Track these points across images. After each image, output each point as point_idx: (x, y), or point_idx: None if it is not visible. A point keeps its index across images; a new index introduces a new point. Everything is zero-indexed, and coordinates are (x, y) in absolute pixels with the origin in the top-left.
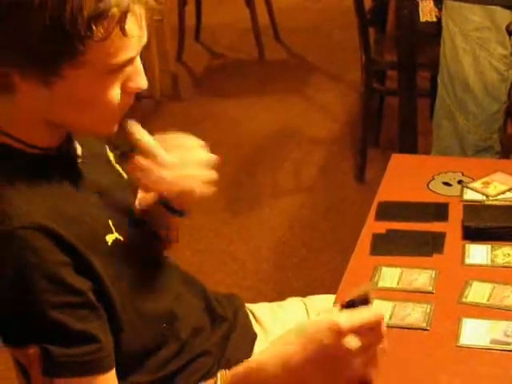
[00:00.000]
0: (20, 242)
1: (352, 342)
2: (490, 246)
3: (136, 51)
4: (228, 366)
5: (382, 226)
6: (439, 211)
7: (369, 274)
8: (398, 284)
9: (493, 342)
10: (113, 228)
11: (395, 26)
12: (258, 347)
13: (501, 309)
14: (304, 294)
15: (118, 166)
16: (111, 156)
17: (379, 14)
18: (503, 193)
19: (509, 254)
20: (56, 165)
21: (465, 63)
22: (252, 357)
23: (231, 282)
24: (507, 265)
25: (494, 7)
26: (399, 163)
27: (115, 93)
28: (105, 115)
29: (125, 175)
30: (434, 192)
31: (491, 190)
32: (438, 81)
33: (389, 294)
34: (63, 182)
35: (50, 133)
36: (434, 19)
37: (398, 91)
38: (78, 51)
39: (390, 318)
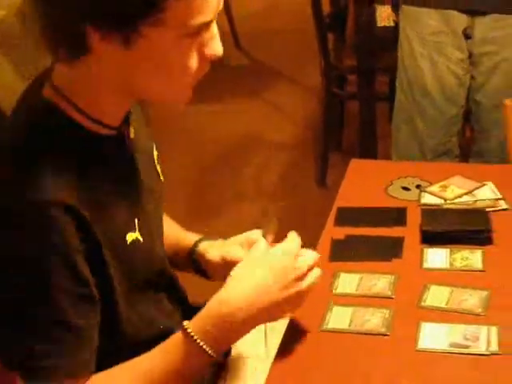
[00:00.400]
0: (46, 218)
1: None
2: (448, 250)
3: (213, 15)
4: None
5: (341, 232)
6: (398, 216)
7: (328, 280)
8: (357, 290)
9: (452, 345)
10: (137, 227)
11: (354, 32)
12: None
13: (459, 312)
14: None
15: (158, 167)
16: (155, 154)
17: (338, 20)
18: (460, 196)
19: (467, 258)
20: (109, 147)
21: (423, 67)
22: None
23: (195, 290)
24: (465, 268)
25: (451, 12)
26: (358, 168)
27: (193, 58)
28: (181, 81)
29: (162, 177)
30: (393, 197)
31: (449, 194)
32: (397, 85)
33: (348, 300)
34: (109, 166)
35: (117, 105)
36: (392, 24)
37: (358, 96)
38: (158, 7)
39: (350, 324)
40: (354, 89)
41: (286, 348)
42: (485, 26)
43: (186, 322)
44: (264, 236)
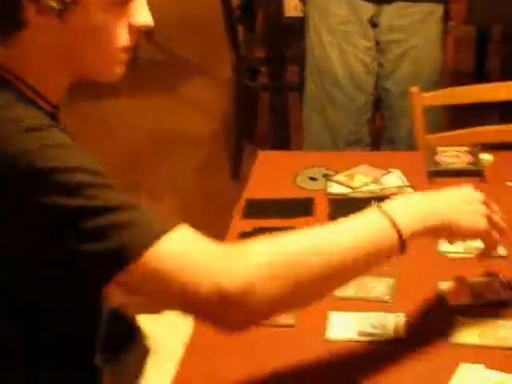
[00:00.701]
0: None
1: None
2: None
3: None
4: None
5: (249, 224)
6: (305, 206)
7: None
8: None
9: (360, 334)
10: None
11: (262, 23)
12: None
13: (367, 300)
14: None
15: None
16: None
17: (247, 11)
18: (367, 184)
19: None
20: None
21: (332, 57)
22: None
23: None
24: None
25: (358, 1)
26: (266, 160)
27: (121, 27)
28: (111, 52)
29: None
30: (301, 187)
31: (355, 183)
32: (306, 75)
33: None
34: None
35: (57, 81)
36: (300, 14)
37: (269, 86)
38: None
39: None
40: (266, 80)
41: (194, 341)
42: (391, 14)
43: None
44: None
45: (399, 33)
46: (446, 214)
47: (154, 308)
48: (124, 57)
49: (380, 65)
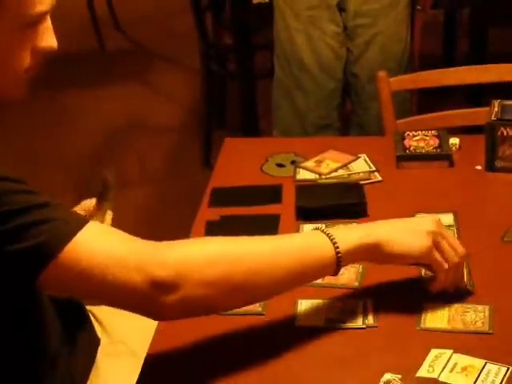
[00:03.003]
0: None
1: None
2: (323, 225)
3: (49, 5)
4: (73, 376)
5: (216, 213)
6: (273, 194)
7: None
8: None
9: (328, 321)
10: None
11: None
12: (102, 353)
13: (336, 287)
14: None
15: None
16: None
17: None
18: (335, 170)
19: None
20: None
21: (299, 43)
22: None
23: None
24: None
25: None
26: (233, 147)
27: (26, 50)
28: (14, 74)
29: None
30: (268, 174)
31: (323, 169)
32: (274, 61)
33: None
34: None
35: None
36: (267, 0)
37: (237, 74)
38: None
39: None
40: (234, 67)
41: (162, 331)
42: None
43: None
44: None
45: (366, 18)
46: (385, 232)
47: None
48: (27, 78)
49: (348, 50)
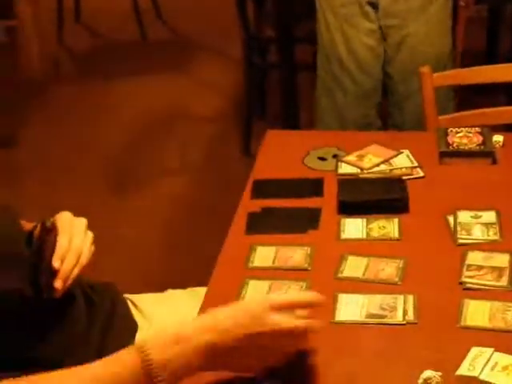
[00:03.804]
0: None
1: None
2: (365, 220)
3: None
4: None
5: (258, 205)
6: (314, 187)
7: (244, 254)
8: (273, 263)
9: (369, 316)
10: None
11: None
12: (141, 337)
13: (376, 282)
14: (191, 274)
15: None
16: None
17: None
18: (377, 165)
19: (384, 227)
20: None
21: (337, 41)
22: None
23: (119, 267)
24: (382, 237)
25: None
26: (275, 139)
27: None
28: None
29: None
30: (309, 167)
31: (366, 163)
32: (317, 57)
33: (265, 273)
34: None
35: None
36: None
37: (278, 65)
38: None
39: None
40: (275, 58)
41: None
42: None
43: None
44: None
45: (395, 18)
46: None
47: None
48: None
49: (384, 50)
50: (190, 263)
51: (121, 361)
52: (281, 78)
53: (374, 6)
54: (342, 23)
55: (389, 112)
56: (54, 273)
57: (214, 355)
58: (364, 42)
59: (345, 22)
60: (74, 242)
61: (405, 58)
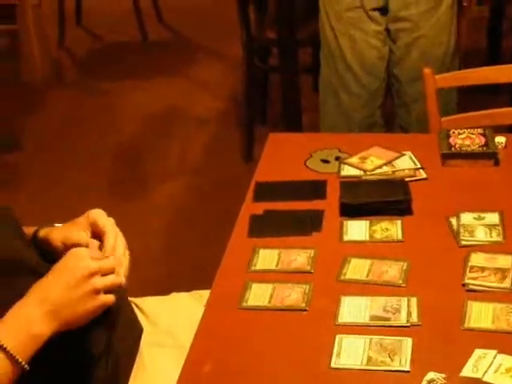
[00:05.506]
0: None
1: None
2: (368, 222)
3: None
4: (117, 361)
5: (260, 207)
6: (317, 189)
7: (247, 257)
8: (276, 265)
9: (372, 318)
10: None
11: (273, 3)
12: (146, 340)
13: (379, 284)
14: (193, 277)
15: None
16: None
17: None
18: (380, 167)
19: (387, 229)
20: None
21: (342, 44)
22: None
23: None
24: (386, 239)
25: None
26: (277, 142)
27: None
28: None
29: None
30: (312, 170)
31: (368, 165)
32: (321, 59)
33: (268, 276)
34: None
35: None
36: None
37: (280, 68)
38: None
39: (270, 300)
40: (277, 61)
41: (205, 327)
42: (397, 4)
43: None
44: None
45: (407, 22)
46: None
47: None
48: None
49: (390, 51)
50: (193, 266)
51: None
52: (282, 80)
53: (382, 10)
54: (347, 26)
55: (395, 112)
56: None
57: (55, 312)
58: (370, 43)
59: (351, 26)
60: (121, 241)
61: (414, 59)
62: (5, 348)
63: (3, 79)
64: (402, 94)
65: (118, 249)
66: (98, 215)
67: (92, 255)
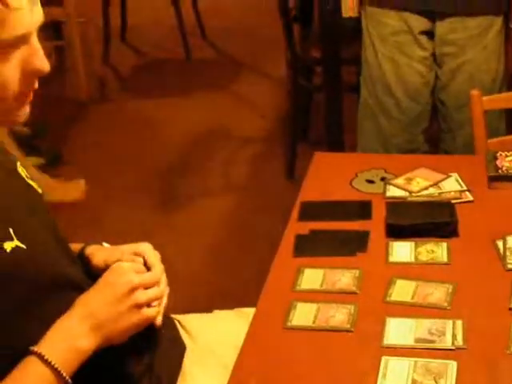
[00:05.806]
0: None
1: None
2: (413, 243)
3: (28, 27)
4: (159, 381)
5: (305, 227)
6: (363, 209)
7: (292, 276)
8: (321, 285)
9: (417, 340)
10: (14, 236)
11: (318, 21)
12: (189, 358)
13: (424, 307)
14: (235, 295)
15: (31, 182)
16: (23, 172)
17: (305, 10)
18: (426, 188)
19: (432, 251)
20: None
21: (385, 68)
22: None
23: None
24: (431, 261)
25: (411, 15)
26: (322, 162)
27: (11, 73)
28: (5, 99)
29: (39, 190)
30: (358, 190)
31: (414, 186)
32: (361, 80)
33: (313, 296)
34: None
35: None
36: (357, 14)
37: (323, 87)
38: None
39: (314, 321)
40: (320, 80)
41: (250, 346)
42: (444, 27)
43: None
44: None
45: (452, 46)
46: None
47: None
48: (24, 100)
49: (437, 76)
50: (236, 284)
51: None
52: (326, 99)
53: (429, 34)
54: (392, 51)
55: (440, 137)
56: None
57: (98, 327)
58: (414, 69)
59: (396, 50)
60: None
61: (460, 84)
62: (50, 362)
63: (50, 95)
64: (448, 120)
65: (162, 283)
66: (147, 249)
67: (135, 268)
